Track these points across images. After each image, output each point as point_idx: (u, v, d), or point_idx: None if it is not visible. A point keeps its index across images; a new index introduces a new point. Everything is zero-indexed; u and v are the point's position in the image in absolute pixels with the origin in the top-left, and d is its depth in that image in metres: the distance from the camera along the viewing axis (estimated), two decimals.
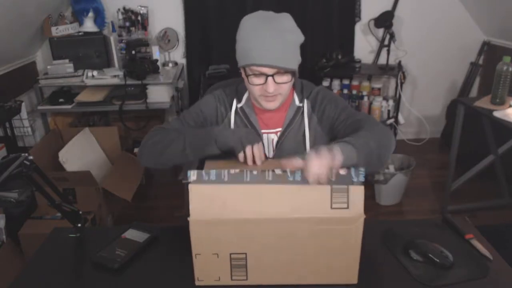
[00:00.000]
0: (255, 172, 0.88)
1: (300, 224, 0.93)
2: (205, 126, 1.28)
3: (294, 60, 1.16)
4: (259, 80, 1.15)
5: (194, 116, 1.28)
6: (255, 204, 0.91)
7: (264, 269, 0.98)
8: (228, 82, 1.51)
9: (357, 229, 0.94)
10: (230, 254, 0.96)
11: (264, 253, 0.96)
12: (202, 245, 0.95)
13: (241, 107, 1.28)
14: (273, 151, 1.27)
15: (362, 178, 0.89)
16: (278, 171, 0.88)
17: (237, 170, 0.88)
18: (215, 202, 0.90)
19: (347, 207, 0.91)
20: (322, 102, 1.27)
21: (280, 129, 1.27)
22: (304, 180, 0.89)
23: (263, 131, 1.27)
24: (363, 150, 1.00)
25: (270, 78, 1.13)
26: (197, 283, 0.99)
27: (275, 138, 1.27)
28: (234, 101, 1.29)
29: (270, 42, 1.10)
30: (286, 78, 1.15)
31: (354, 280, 1.00)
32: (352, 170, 0.89)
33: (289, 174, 0.88)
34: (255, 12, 1.19)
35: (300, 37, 1.17)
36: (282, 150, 1.26)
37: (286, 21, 1.15)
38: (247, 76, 1.16)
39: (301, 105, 1.28)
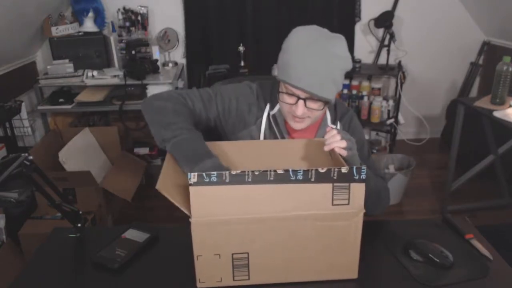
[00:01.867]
0: (256, 173, 0.88)
1: (302, 221, 0.93)
2: (226, 118, 1.21)
3: (332, 89, 1.10)
4: (290, 100, 1.12)
5: (226, 101, 1.20)
6: (257, 203, 0.91)
7: (266, 268, 0.98)
8: (261, 78, 1.40)
9: (357, 223, 0.94)
10: (232, 254, 0.96)
11: (266, 252, 0.96)
12: (204, 247, 0.94)
13: (273, 115, 1.22)
14: None
15: (363, 176, 0.89)
16: (280, 171, 0.88)
17: (238, 171, 0.88)
18: (216, 203, 0.90)
19: (348, 203, 0.92)
20: (353, 133, 1.23)
21: None
22: (306, 179, 0.89)
23: None
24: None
25: (301, 101, 1.10)
26: (198, 285, 0.98)
27: None
28: (268, 106, 1.23)
29: (312, 66, 1.06)
30: (318, 105, 1.11)
31: (354, 275, 1.00)
32: (354, 169, 0.89)
33: (291, 173, 0.88)
34: (309, 26, 1.13)
35: (348, 65, 1.11)
36: None
37: (338, 45, 1.10)
38: (279, 92, 1.14)
39: (334, 126, 1.23)
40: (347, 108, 1.30)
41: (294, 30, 1.12)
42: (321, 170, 0.89)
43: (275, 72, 1.17)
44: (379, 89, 3.34)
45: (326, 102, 1.12)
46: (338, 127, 1.25)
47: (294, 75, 1.07)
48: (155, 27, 3.32)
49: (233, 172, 0.87)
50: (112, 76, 2.97)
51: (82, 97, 2.94)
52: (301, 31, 1.11)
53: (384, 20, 3.15)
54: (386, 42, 3.23)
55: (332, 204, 0.92)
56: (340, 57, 1.09)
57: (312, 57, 1.06)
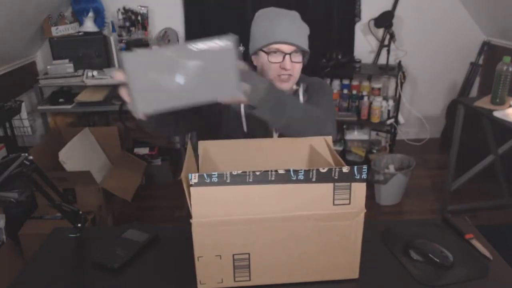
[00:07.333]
0: (257, 173, 0.88)
1: (303, 221, 0.93)
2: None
3: (306, 43, 1.29)
4: (277, 59, 1.25)
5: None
6: (258, 203, 0.91)
7: (267, 269, 0.98)
8: None
9: (358, 223, 0.95)
10: (233, 255, 0.96)
11: (267, 252, 0.96)
12: (205, 248, 0.94)
13: None
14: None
15: (364, 176, 0.90)
16: (281, 171, 0.88)
17: (240, 171, 0.88)
18: (217, 203, 0.90)
19: (349, 203, 0.92)
20: (313, 87, 1.41)
21: None
22: (307, 179, 0.89)
23: None
24: (282, 104, 1.07)
25: (287, 56, 1.25)
26: (199, 286, 0.98)
27: None
28: None
29: (288, 25, 1.25)
30: (300, 58, 1.28)
31: (355, 275, 1.00)
32: (355, 168, 0.89)
33: (292, 173, 0.88)
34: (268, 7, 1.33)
35: (307, 29, 1.32)
36: None
37: (297, 14, 1.31)
38: (267, 53, 1.26)
39: (297, 87, 1.40)
40: (309, 77, 1.45)
41: (258, 12, 1.32)
42: (322, 170, 0.89)
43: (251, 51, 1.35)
44: (379, 89, 3.34)
45: (304, 55, 1.30)
46: (301, 87, 1.38)
47: (278, 34, 1.23)
48: (155, 27, 3.32)
49: (234, 173, 0.87)
50: (112, 76, 2.97)
51: (82, 97, 2.94)
52: (264, 10, 1.31)
53: (384, 20, 3.15)
54: (386, 42, 3.23)
55: (333, 204, 0.92)
56: (302, 21, 1.31)
57: (285, 20, 1.26)
